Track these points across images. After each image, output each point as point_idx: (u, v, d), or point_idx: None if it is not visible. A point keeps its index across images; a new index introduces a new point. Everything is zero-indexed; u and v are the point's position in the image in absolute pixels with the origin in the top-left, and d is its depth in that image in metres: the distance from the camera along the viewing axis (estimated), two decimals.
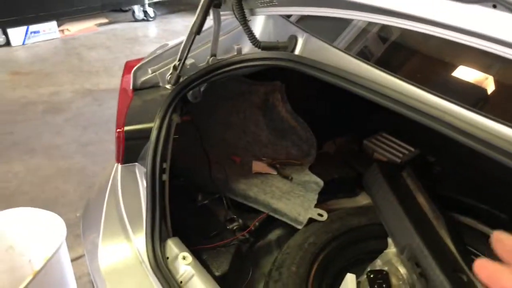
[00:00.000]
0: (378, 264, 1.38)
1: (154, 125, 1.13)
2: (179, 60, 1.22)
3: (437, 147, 1.72)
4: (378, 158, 1.77)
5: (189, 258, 1.14)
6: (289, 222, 1.47)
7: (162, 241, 1.16)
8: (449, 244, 1.32)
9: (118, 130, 1.20)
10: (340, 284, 1.31)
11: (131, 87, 1.27)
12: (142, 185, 1.23)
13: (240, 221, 1.46)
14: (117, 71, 4.30)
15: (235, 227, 1.44)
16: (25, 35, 4.91)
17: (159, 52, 1.35)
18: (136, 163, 1.25)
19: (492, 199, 1.50)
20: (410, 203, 1.44)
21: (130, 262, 1.16)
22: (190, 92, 1.26)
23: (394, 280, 1.32)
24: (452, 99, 0.85)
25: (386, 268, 1.35)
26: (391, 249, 1.38)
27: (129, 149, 1.22)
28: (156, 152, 1.12)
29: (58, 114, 3.59)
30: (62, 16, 5.01)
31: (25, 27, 4.87)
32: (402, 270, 1.33)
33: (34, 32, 4.94)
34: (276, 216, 1.48)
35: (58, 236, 1.74)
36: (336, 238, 1.41)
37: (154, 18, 5.68)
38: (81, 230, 1.31)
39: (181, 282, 1.09)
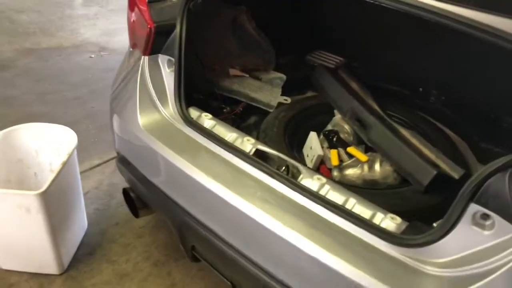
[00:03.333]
0: (329, 127, 1.97)
1: (177, 20, 1.57)
2: None
3: (360, 56, 2.34)
4: None
5: (209, 115, 1.61)
6: (263, 107, 1.98)
7: (186, 108, 1.62)
8: (375, 106, 1.93)
9: (149, 26, 1.60)
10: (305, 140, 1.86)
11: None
12: (164, 71, 1.66)
13: (229, 108, 1.94)
14: (55, 32, 4.43)
15: (225, 112, 1.93)
16: None
17: None
18: (159, 54, 1.67)
19: (396, 82, 2.17)
20: (347, 86, 2.03)
21: (164, 123, 1.60)
22: (192, 3, 1.70)
23: (342, 135, 1.91)
24: None
25: (336, 128, 1.93)
26: (337, 116, 1.97)
27: (155, 43, 1.64)
28: (181, 39, 1.56)
29: (4, 70, 3.69)
30: None
31: None
32: (347, 127, 1.92)
33: None
34: (254, 103, 1.98)
35: (69, 145, 2.07)
36: (299, 113, 1.96)
37: None
38: (110, 109, 1.70)
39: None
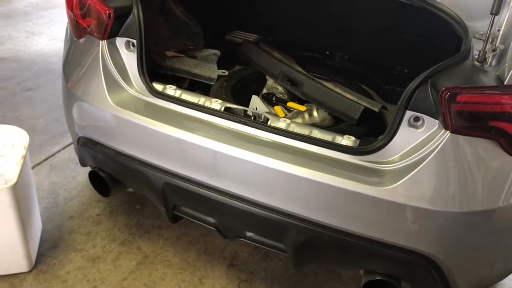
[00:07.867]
0: (264, 90, 2.28)
1: (133, 3, 1.73)
2: None
3: (272, 32, 2.70)
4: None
5: (174, 86, 1.81)
6: (205, 81, 2.21)
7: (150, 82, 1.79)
8: (300, 68, 2.29)
9: (108, 12, 1.71)
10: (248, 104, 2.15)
11: None
12: (123, 52, 1.80)
13: (175, 85, 2.14)
14: None
15: None
16: None
17: None
18: (117, 37, 1.80)
19: (307, 50, 2.57)
20: (272, 54, 2.37)
21: (132, 98, 1.76)
22: None
23: (277, 95, 2.24)
24: None
25: (271, 91, 2.26)
26: (270, 81, 2.29)
27: (112, 27, 1.76)
28: (140, 19, 1.73)
29: None
30: None
31: None
32: (280, 88, 2.25)
33: None
34: (197, 78, 2.21)
35: (12, 144, 2.05)
36: (238, 82, 2.24)
37: None
38: (78, 92, 1.80)
39: None
